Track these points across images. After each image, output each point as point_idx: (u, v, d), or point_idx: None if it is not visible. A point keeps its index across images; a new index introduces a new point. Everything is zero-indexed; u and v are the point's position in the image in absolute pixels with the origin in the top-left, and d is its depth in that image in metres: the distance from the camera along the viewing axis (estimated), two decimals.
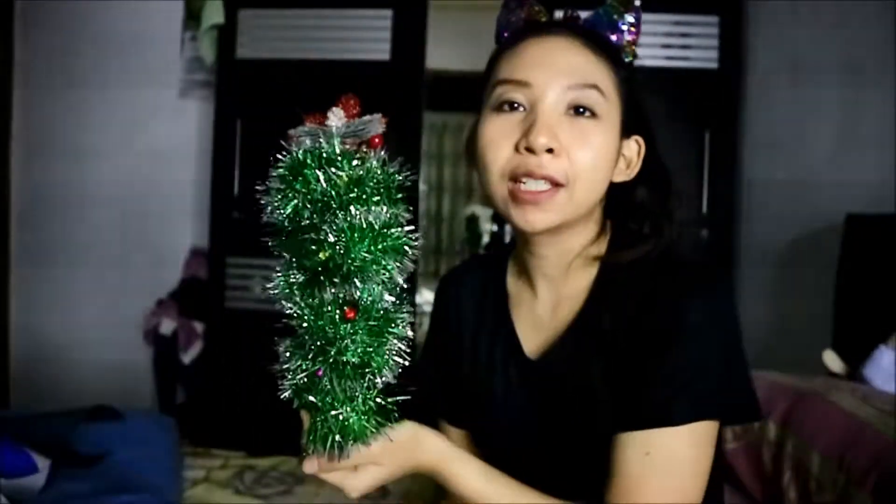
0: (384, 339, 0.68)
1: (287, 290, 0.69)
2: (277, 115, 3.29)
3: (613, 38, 0.84)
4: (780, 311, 2.53)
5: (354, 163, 0.68)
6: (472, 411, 0.96)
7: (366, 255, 0.66)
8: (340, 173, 0.67)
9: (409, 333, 0.70)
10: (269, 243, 0.70)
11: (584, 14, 0.87)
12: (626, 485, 0.78)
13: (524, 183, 0.80)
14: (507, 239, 3.17)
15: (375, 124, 0.70)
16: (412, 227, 0.69)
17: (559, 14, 0.89)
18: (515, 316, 0.93)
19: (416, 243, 0.68)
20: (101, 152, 3.20)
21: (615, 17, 0.84)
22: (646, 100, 0.87)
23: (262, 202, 0.69)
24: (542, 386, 0.88)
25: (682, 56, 2.60)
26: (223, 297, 2.84)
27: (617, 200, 0.88)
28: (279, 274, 0.69)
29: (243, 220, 2.80)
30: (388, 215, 0.68)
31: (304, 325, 0.68)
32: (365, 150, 0.69)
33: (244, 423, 2.78)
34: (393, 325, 0.69)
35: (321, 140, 0.69)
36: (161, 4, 3.14)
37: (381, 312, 0.68)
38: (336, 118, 0.70)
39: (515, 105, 0.82)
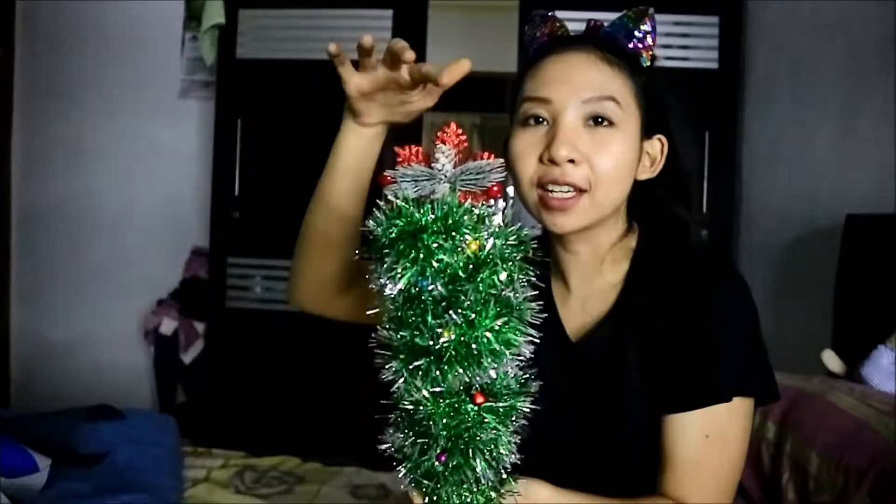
0: (511, 420, 0.64)
1: (405, 375, 0.61)
2: (277, 115, 3.29)
3: (630, 46, 0.90)
4: (779, 310, 2.53)
5: (476, 220, 0.59)
6: None
7: (496, 333, 0.59)
8: (465, 239, 0.58)
9: (531, 409, 0.65)
10: (381, 317, 0.62)
11: (606, 21, 0.93)
12: (686, 470, 0.84)
13: (551, 191, 0.86)
14: None
15: (497, 171, 0.61)
16: (536, 292, 0.62)
17: (577, 19, 0.94)
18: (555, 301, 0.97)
19: (539, 307, 0.63)
20: (101, 152, 3.21)
21: (631, 26, 0.90)
22: (668, 100, 0.94)
23: (373, 272, 0.60)
24: (580, 368, 0.92)
25: (682, 56, 2.60)
26: (224, 297, 2.84)
27: (640, 197, 0.94)
28: (393, 356, 0.61)
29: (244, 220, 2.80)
30: (522, 288, 0.61)
31: (425, 410, 0.62)
32: (483, 200, 0.61)
33: (244, 423, 2.79)
34: (518, 402, 0.64)
35: (427, 185, 0.60)
36: (161, 4, 3.14)
37: (509, 392, 0.63)
38: (446, 158, 0.60)
39: (539, 119, 0.88)
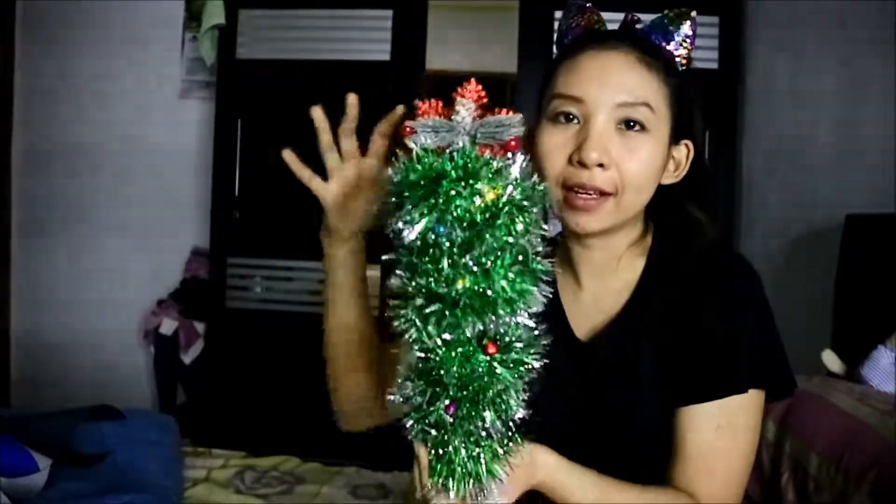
0: (522, 373, 0.63)
1: (418, 322, 0.60)
2: (277, 115, 3.29)
3: (669, 48, 0.89)
4: (779, 311, 2.53)
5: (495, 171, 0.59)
6: None
7: (511, 282, 0.59)
8: (484, 187, 0.58)
9: (539, 364, 0.64)
10: (395, 262, 0.62)
11: (643, 18, 0.91)
12: (697, 462, 0.83)
13: (577, 192, 0.85)
14: None
15: (516, 125, 0.61)
16: (549, 248, 0.63)
17: (613, 17, 0.92)
18: (562, 301, 0.96)
19: (552, 264, 0.63)
20: (101, 152, 3.21)
21: (671, 28, 0.89)
22: (697, 105, 0.93)
23: (386, 214, 0.61)
24: (589, 367, 0.91)
25: None
26: (224, 297, 2.84)
27: (657, 197, 0.92)
28: (406, 302, 0.61)
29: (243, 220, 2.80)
30: (536, 238, 0.61)
31: (436, 358, 0.61)
32: (501, 154, 0.61)
33: (244, 423, 2.79)
34: (529, 356, 0.63)
35: (447, 136, 0.60)
36: (161, 5, 3.14)
37: (521, 345, 0.63)
38: (466, 111, 0.61)
39: (571, 117, 0.86)
